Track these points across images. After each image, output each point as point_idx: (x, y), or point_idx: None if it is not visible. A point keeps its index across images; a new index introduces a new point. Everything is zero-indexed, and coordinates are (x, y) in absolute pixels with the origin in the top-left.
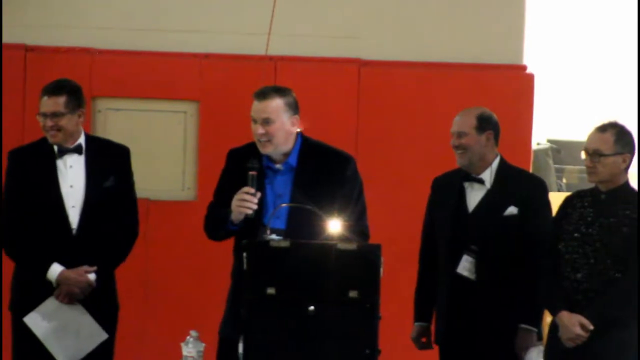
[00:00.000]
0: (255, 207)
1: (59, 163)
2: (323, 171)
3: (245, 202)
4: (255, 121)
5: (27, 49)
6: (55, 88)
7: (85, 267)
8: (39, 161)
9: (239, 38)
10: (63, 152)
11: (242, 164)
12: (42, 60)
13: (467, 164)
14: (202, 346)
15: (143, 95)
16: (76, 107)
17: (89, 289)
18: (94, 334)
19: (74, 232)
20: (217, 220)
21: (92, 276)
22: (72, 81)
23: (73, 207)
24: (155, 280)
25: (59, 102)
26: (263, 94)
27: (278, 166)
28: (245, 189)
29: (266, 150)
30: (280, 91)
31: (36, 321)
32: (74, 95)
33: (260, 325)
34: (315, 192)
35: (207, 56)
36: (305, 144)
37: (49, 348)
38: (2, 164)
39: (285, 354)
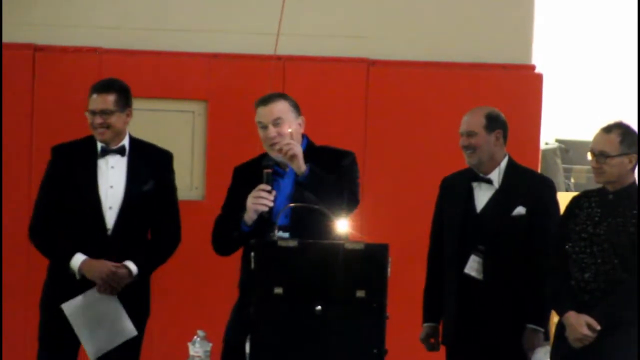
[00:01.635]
0: (271, 204)
1: (101, 162)
2: (324, 168)
3: (262, 199)
4: (264, 126)
5: (36, 48)
6: (105, 86)
7: (127, 262)
8: (82, 159)
9: (248, 37)
10: (106, 152)
11: (249, 177)
12: (50, 59)
13: (477, 163)
14: (209, 346)
15: (151, 94)
16: (125, 106)
17: (127, 279)
18: (125, 330)
19: (109, 232)
20: (229, 225)
21: (133, 267)
22: (121, 80)
23: (110, 208)
24: (163, 280)
25: (108, 100)
26: (268, 99)
27: (285, 169)
28: (262, 186)
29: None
30: (282, 95)
31: (73, 309)
32: (123, 93)
33: (267, 324)
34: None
35: (215, 56)
36: (310, 147)
37: (80, 337)
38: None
39: (293, 353)
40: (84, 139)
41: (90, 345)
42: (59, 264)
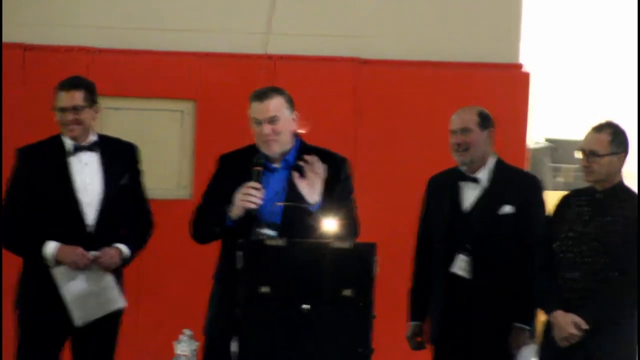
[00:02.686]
0: (260, 202)
1: (74, 160)
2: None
3: (251, 196)
4: (258, 122)
5: (26, 48)
6: (73, 83)
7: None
8: (50, 159)
9: (238, 37)
10: (78, 149)
11: (235, 168)
12: (41, 59)
13: (469, 161)
14: (195, 345)
15: (140, 94)
16: (93, 103)
17: (117, 258)
18: (112, 299)
19: (89, 229)
20: (212, 217)
21: (123, 247)
22: (86, 78)
23: (89, 204)
24: (149, 278)
25: (77, 96)
26: (263, 94)
27: (276, 165)
28: (251, 183)
29: (273, 149)
30: (278, 90)
31: (63, 275)
32: (90, 90)
33: (254, 323)
34: None
35: (205, 55)
36: (303, 145)
37: (67, 303)
38: (2, 162)
39: (279, 352)
40: (49, 139)
41: (76, 310)
42: (32, 255)
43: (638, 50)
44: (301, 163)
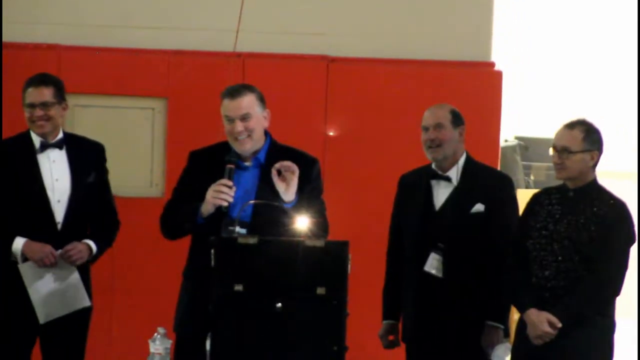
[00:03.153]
0: (231, 199)
1: (41, 157)
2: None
3: (222, 194)
4: (231, 120)
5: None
6: (42, 79)
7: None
8: (20, 156)
9: (208, 34)
10: (45, 146)
11: (206, 165)
12: (9, 56)
13: (442, 158)
14: (169, 343)
15: (111, 91)
16: (61, 99)
17: (86, 253)
18: (78, 298)
19: (59, 227)
20: (183, 213)
21: (92, 244)
22: (55, 75)
23: (58, 201)
24: (122, 277)
25: (46, 93)
26: (236, 91)
27: (247, 163)
28: (223, 181)
29: (245, 147)
30: (250, 87)
31: (29, 271)
32: (59, 87)
33: (228, 321)
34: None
35: (175, 53)
36: (273, 144)
37: (32, 299)
38: None
39: (253, 350)
40: (17, 135)
41: (41, 307)
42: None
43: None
44: (277, 165)
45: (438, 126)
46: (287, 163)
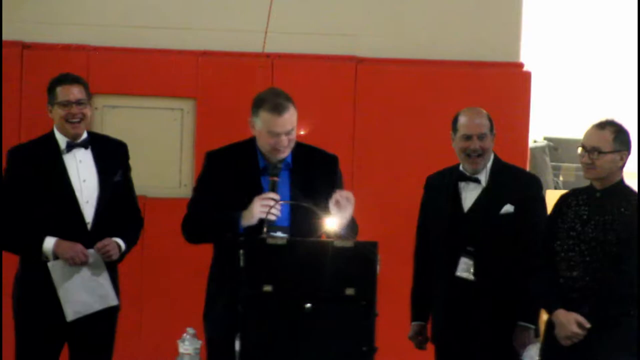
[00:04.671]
0: (279, 213)
1: (68, 158)
2: (315, 170)
3: (271, 207)
4: (276, 134)
5: (24, 46)
6: (73, 78)
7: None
8: (46, 157)
9: (236, 35)
10: (71, 146)
11: (228, 167)
12: (39, 57)
13: (482, 167)
14: (198, 343)
15: (140, 92)
16: (90, 99)
17: (117, 250)
18: (106, 296)
19: (89, 227)
20: (219, 222)
21: (121, 242)
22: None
23: (87, 202)
24: (152, 277)
25: (80, 91)
26: (283, 107)
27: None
28: (271, 195)
29: (284, 155)
30: (288, 98)
31: (58, 269)
32: (87, 87)
33: (257, 322)
34: (311, 190)
35: (204, 53)
36: (298, 145)
37: (60, 297)
38: (2, 162)
39: (282, 351)
40: (42, 137)
41: (68, 305)
42: (30, 251)
43: (638, 49)
44: (337, 196)
45: (482, 136)
46: (347, 194)
